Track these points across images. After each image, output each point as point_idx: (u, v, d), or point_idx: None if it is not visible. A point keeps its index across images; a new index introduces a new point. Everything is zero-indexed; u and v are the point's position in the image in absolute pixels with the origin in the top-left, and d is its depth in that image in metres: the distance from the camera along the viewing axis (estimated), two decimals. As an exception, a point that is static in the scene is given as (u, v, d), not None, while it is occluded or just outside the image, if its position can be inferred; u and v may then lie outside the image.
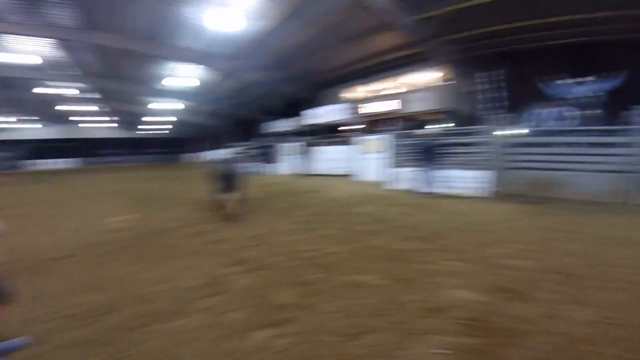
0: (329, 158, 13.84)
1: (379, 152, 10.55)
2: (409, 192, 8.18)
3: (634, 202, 5.45)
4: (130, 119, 35.95)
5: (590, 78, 11.70)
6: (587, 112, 11.56)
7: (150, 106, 28.15)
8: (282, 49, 15.38)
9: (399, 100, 16.59)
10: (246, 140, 21.70)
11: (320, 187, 9.92)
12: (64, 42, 15.22)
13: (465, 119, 13.37)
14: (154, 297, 2.80)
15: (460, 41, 13.38)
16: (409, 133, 9.91)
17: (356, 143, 12.09)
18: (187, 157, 41.01)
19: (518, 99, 12.94)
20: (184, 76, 20.37)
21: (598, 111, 11.32)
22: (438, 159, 7.81)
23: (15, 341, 2.01)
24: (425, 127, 14.91)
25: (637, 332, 2.04)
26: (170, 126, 41.64)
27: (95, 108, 30.05)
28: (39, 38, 14.34)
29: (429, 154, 7.84)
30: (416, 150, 8.20)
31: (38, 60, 16.61)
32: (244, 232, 4.85)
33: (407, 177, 8.53)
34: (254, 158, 17.43)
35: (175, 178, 15.87)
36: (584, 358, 1.83)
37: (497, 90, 13.70)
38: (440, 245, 3.94)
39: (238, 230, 5.02)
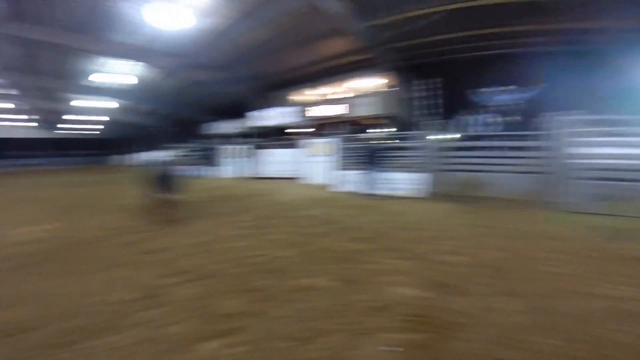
0: (276, 161, 13.70)
1: (325, 155, 10.70)
2: (354, 194, 8.43)
3: (546, 200, 6.24)
4: (53, 118, 31.78)
5: (512, 87, 13.27)
6: (509, 118, 13.07)
7: (77, 104, 25.33)
8: (231, 48, 14.93)
9: (346, 105, 17.06)
10: (187, 141, 20.52)
11: (266, 190, 9.76)
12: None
13: (406, 124, 14.24)
14: (83, 312, 2.54)
15: (404, 49, 14.24)
16: (355, 137, 10.22)
17: (303, 146, 12.13)
18: (120, 159, 37.49)
19: (452, 106, 14.16)
20: (119, 73, 18.71)
21: (518, 118, 12.86)
22: (381, 162, 8.17)
23: None
24: (369, 131, 15.53)
25: (562, 319, 2.29)
26: (102, 126, 37.70)
27: (11, 105, 26.32)
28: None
29: (372, 158, 8.17)
30: (361, 154, 8.49)
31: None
32: (183, 240, 4.56)
33: (353, 180, 8.77)
34: (195, 160, 16.54)
35: (105, 182, 14.47)
36: (519, 347, 2.00)
37: (433, 97, 14.86)
38: (384, 245, 4.10)
39: (177, 237, 4.70)
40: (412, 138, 8.73)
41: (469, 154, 8.08)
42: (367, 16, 12.15)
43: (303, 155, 12.02)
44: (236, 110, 21.74)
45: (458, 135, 10.21)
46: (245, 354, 2.02)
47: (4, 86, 20.61)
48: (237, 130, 21.07)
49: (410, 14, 11.68)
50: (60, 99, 24.09)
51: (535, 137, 7.01)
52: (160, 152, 19.17)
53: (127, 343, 2.12)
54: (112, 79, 19.68)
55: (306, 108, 18.57)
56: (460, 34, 12.76)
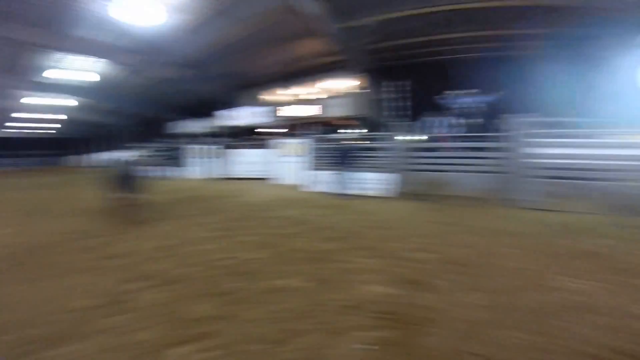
0: (246, 161, 13.46)
1: (297, 155, 10.67)
2: (325, 194, 8.48)
3: (505, 197, 6.62)
4: (1, 116, 29.05)
5: (475, 91, 14.00)
6: (471, 120, 13.76)
7: (30, 101, 23.38)
8: (202, 46, 14.52)
9: (318, 105, 17.12)
10: (152, 141, 19.63)
11: (236, 191, 9.56)
12: None
13: (376, 125, 14.55)
14: (42, 320, 2.39)
15: (376, 52, 14.55)
16: (327, 137, 10.29)
17: (275, 146, 12.01)
18: (79, 159, 35.10)
19: (419, 108, 14.68)
20: (79, 70, 17.59)
21: (480, 120, 13.56)
22: (352, 162, 8.28)
23: None
24: (341, 132, 15.70)
25: (523, 313, 2.42)
26: (59, 125, 35.07)
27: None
28: None
29: (344, 158, 8.27)
30: (333, 154, 8.56)
31: None
32: (147, 243, 4.36)
33: (324, 180, 8.82)
34: (160, 160, 15.85)
35: (62, 184, 13.52)
36: (487, 341, 2.10)
37: (402, 99, 15.32)
38: (355, 244, 4.17)
39: (140, 241, 4.49)
40: (382, 139, 8.93)
41: (433, 154, 8.43)
42: (341, 18, 12.29)
43: (274, 156, 11.91)
44: (205, 109, 21.14)
45: (424, 137, 10.60)
46: (217, 358, 1.98)
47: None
48: (205, 130, 20.45)
49: (382, 17, 11.96)
50: (10, 96, 22.14)
51: (494, 139, 7.42)
52: (122, 152, 18.21)
53: (90, 352, 2.02)
54: (70, 76, 18.46)
55: (278, 108, 18.42)
56: (427, 38, 13.25)
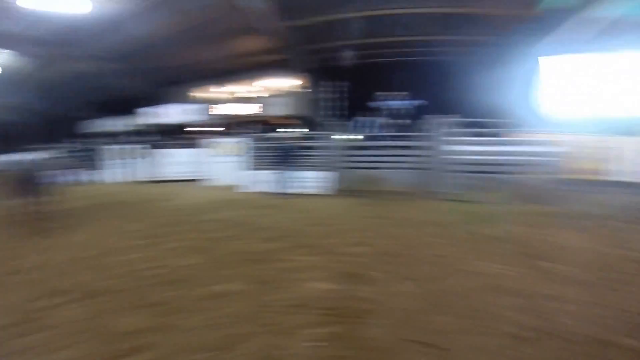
0: (176, 162, 12.50)
1: (233, 155, 10.27)
2: (263, 194, 8.31)
3: (428, 191, 7.26)
4: None
5: (403, 93, 15.09)
6: (400, 121, 14.80)
7: None
8: (129, 39, 13.13)
9: (256, 104, 16.78)
10: (64, 141, 17.10)
11: (164, 194, 8.86)
12: None
13: (316, 124, 14.76)
14: None
15: (317, 52, 14.69)
16: (265, 136, 10.11)
17: (208, 146, 11.39)
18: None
19: (355, 108, 15.30)
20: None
21: (407, 121, 14.64)
22: (292, 161, 8.27)
23: None
24: (280, 131, 15.59)
25: (450, 298, 2.65)
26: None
27: None
28: None
29: (284, 157, 8.22)
30: (272, 153, 8.46)
31: None
32: (60, 255, 3.84)
33: (263, 180, 8.65)
34: (73, 162, 13.89)
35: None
36: (423, 327, 2.24)
37: (340, 99, 15.81)
38: (295, 242, 4.19)
39: (51, 253, 3.95)
40: (319, 138, 9.08)
41: (366, 153, 8.88)
42: (284, 16, 12.11)
43: (207, 156, 11.29)
44: (128, 106, 19.14)
45: (359, 136, 11.09)
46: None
47: None
48: (128, 129, 18.54)
49: (324, 18, 12.11)
50: None
51: (418, 138, 8.10)
52: (26, 153, 15.53)
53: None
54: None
55: (211, 106, 17.55)
56: (364, 41, 13.76)
